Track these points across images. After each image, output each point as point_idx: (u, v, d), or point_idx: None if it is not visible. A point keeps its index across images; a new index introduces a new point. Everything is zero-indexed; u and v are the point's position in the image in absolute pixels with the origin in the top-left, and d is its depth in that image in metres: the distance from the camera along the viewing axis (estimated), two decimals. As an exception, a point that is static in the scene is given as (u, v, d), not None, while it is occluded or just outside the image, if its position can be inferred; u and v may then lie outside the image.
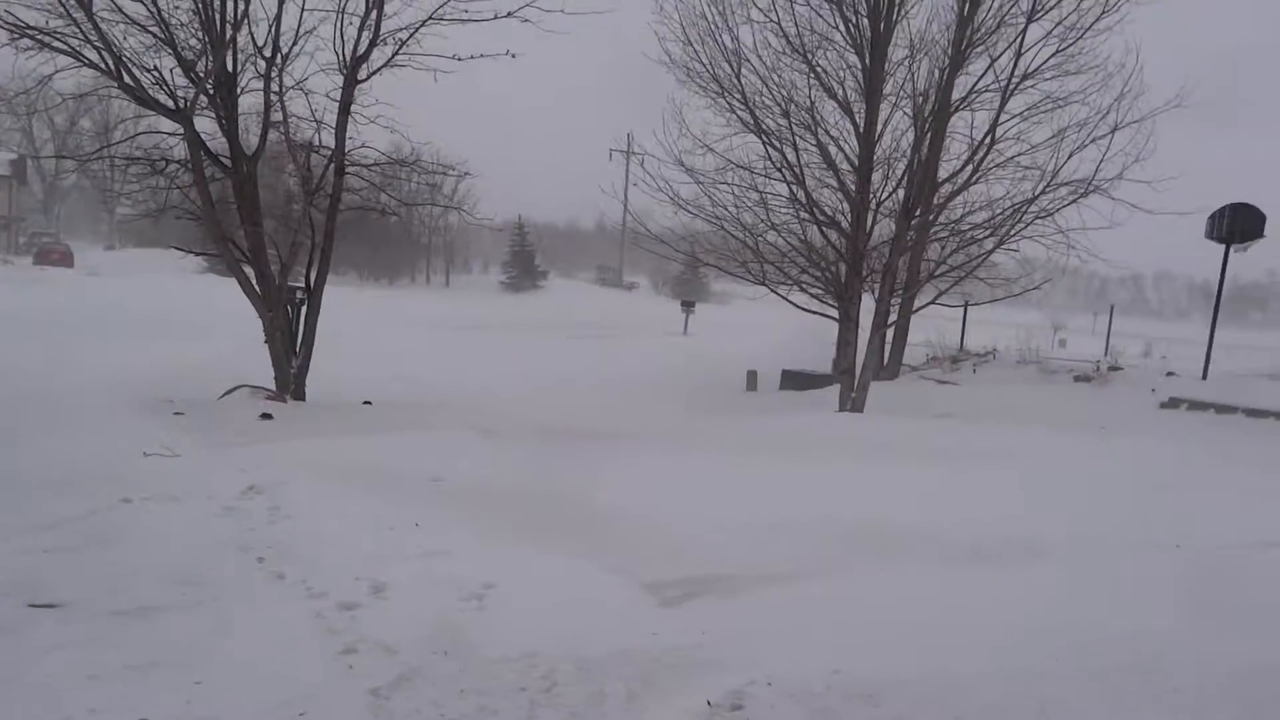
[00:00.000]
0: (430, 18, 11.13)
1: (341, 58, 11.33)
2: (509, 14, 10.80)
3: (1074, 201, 16.10)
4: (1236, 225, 15.54)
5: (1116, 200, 15.34)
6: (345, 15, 11.21)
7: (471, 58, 10.92)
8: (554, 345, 24.85)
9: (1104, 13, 16.43)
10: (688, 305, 33.67)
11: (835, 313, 17.42)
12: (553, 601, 4.74)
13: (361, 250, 51.31)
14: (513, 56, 11.08)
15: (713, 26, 17.61)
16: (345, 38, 11.39)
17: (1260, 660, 4.14)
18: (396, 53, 11.28)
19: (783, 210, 17.85)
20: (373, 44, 11.33)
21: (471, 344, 23.35)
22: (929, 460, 8.68)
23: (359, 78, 11.44)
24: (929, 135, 16.77)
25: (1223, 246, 16.17)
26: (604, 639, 4.27)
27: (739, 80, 17.31)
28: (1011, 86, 17.13)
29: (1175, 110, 14.66)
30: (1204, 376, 15.56)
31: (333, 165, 11.28)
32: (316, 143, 11.32)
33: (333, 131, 11.39)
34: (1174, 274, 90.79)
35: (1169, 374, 16.23)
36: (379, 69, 11.46)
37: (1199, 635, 4.44)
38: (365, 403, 12.34)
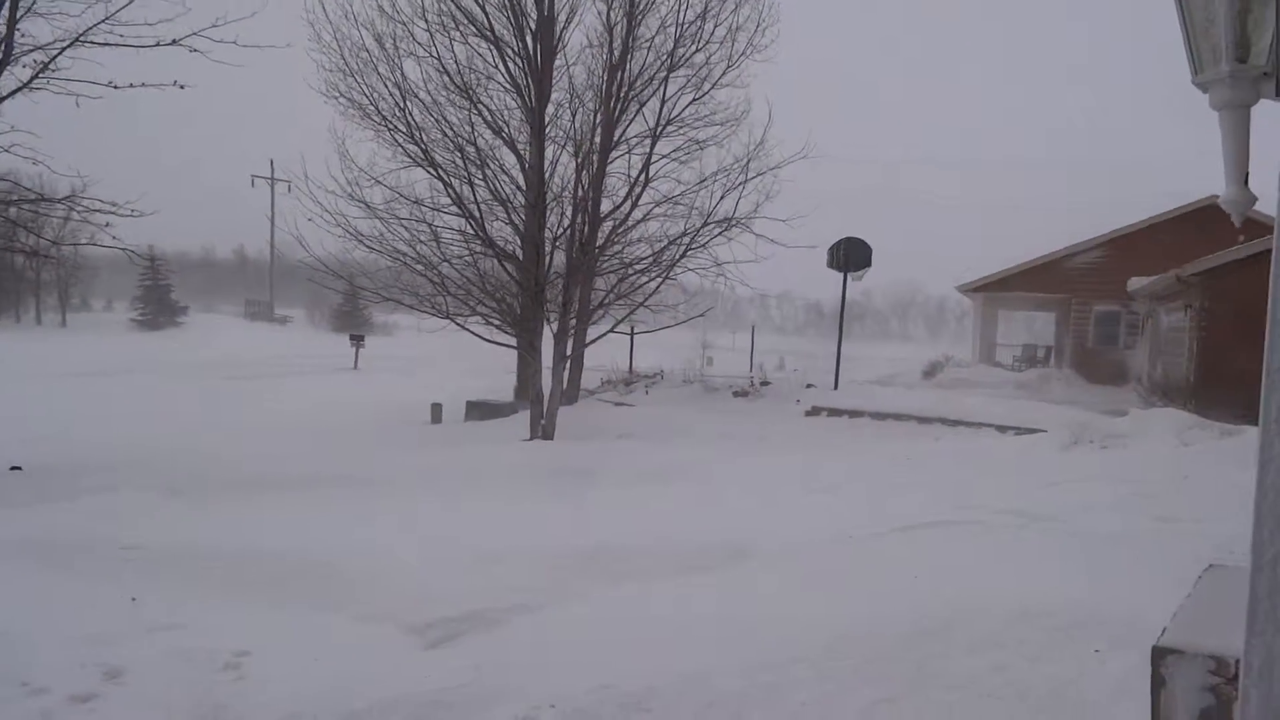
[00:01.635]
0: (78, 39, 10.10)
1: (-35, 79, 9.94)
2: (174, 42, 10.08)
3: (721, 234, 18.10)
4: (851, 256, 18.32)
5: (759, 236, 17.52)
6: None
7: (131, 86, 10.06)
8: (214, 388, 23.01)
9: (728, 68, 18.77)
10: (357, 339, 32.55)
11: (516, 342, 18.05)
12: (314, 658, 4.68)
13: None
14: (181, 88, 10.35)
15: (374, 59, 17.58)
16: (-32, 56, 10.01)
17: (924, 627, 5.14)
18: (36, 76, 10.10)
19: (458, 244, 18.20)
20: (3, 64, 10.06)
21: (119, 392, 20.93)
22: (629, 481, 9.43)
23: (-14, 101, 10.09)
24: (592, 173, 18.00)
25: (841, 274, 18.98)
26: (375, 688, 4.32)
27: (405, 114, 17.43)
28: (659, 130, 18.89)
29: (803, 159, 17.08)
30: (835, 386, 18.10)
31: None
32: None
33: (-47, 160, 9.94)
34: (793, 295, 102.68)
35: (808, 385, 18.64)
36: (13, 93, 10.18)
37: (877, 610, 5.39)
38: (14, 468, 10.80)
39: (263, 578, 5.95)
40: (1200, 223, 23.60)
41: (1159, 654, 1.40)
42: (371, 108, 17.57)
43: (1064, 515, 7.95)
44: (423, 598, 5.56)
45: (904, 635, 4.95)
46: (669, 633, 5.05)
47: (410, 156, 17.74)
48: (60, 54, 10.01)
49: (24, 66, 9.94)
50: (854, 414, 15.78)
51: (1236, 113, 1.69)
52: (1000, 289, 26.45)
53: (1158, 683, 1.40)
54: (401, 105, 17.42)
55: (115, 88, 9.95)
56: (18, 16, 9.84)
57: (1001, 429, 14.26)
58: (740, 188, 17.62)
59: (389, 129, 17.68)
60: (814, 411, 16.26)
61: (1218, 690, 1.37)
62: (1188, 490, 9.32)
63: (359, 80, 17.62)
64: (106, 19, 10.08)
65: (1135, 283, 22.78)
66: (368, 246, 17.06)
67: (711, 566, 6.27)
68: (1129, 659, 4.72)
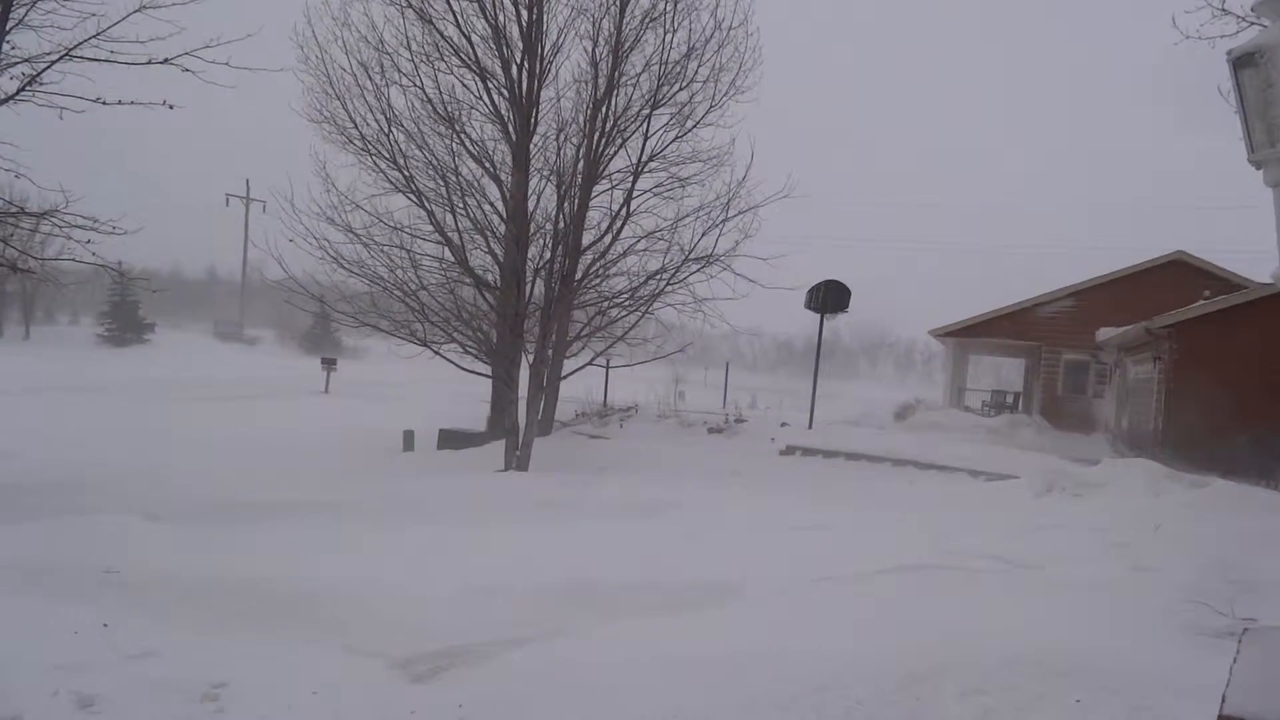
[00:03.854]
0: (67, 54, 10.01)
1: (-49, 89, 9.79)
2: (166, 60, 10.02)
3: (699, 270, 18.20)
4: (830, 298, 18.52)
5: (739, 275, 17.65)
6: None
7: (120, 103, 9.96)
8: (185, 408, 22.63)
9: (712, 108, 18.99)
10: (329, 363, 32.20)
11: (491, 372, 18.00)
12: (299, 692, 4.58)
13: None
14: (170, 107, 10.28)
15: (359, 85, 17.66)
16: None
17: (915, 670, 5.15)
18: (22, 89, 9.97)
19: (439, 271, 18.21)
20: (-13, 77, 9.94)
21: (86, 410, 20.55)
22: (610, 515, 9.38)
23: (-32, 112, 9.95)
24: (574, 206, 18.09)
25: (818, 315, 19.18)
26: (365, 724, 4.26)
27: (390, 139, 17.49)
28: (641, 166, 19.05)
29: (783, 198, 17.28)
30: (810, 426, 18.20)
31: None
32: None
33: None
34: (765, 332, 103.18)
35: (783, 424, 18.74)
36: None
37: (867, 652, 5.39)
38: (-22, 487, 10.57)
39: (245, 606, 5.84)
40: (1166, 276, 24.15)
41: (1226, 724, 1.42)
42: (355, 131, 17.65)
43: (1043, 563, 8.03)
44: (410, 630, 5.48)
45: (897, 679, 4.96)
46: (662, 672, 5.01)
47: (392, 182, 17.78)
48: (49, 68, 9.92)
49: (10, 78, 9.84)
50: (829, 454, 15.87)
51: (1287, 191, 1.76)
52: (972, 334, 26.81)
53: (1227, 750, 1.42)
54: (385, 131, 17.50)
55: (104, 104, 9.85)
56: (8, 28, 9.75)
57: (975, 474, 14.39)
58: (720, 225, 17.79)
59: (371, 154, 17.75)
60: (789, 450, 16.32)
61: (1284, 756, 1.38)
62: (1160, 541, 9.43)
63: (344, 104, 17.71)
64: (98, 34, 10.02)
65: (1104, 333, 23.19)
66: (348, 270, 17.01)
67: (700, 604, 6.25)
68: (1110, 709, 4.77)
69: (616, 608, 6.14)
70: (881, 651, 5.42)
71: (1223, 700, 1.47)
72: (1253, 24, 11.48)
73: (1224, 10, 11.46)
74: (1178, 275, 23.90)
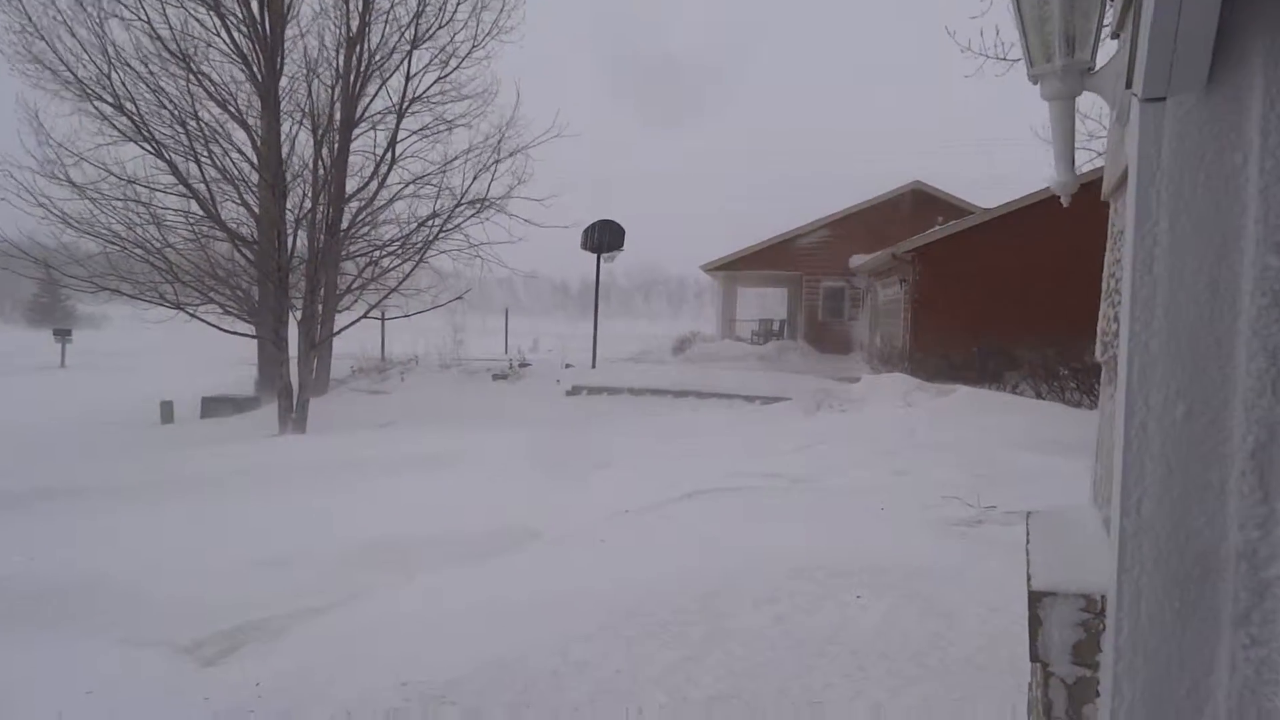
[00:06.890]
0: None
1: None
2: None
3: (474, 215, 17.92)
4: (604, 238, 18.75)
5: (513, 216, 17.52)
6: None
7: None
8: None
9: (474, 48, 18.59)
10: (62, 334, 29.05)
11: (256, 331, 16.99)
12: (70, 694, 4.18)
13: None
14: None
15: (66, 18, 15.90)
16: None
17: (713, 588, 5.42)
18: None
19: (187, 226, 16.93)
20: None
21: None
22: (401, 470, 9.15)
23: None
24: (334, 151, 17.22)
25: (594, 255, 19.38)
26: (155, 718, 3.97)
27: (111, 81, 15.91)
28: (404, 107, 18.37)
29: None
30: (593, 365, 18.48)
31: None
32: None
33: None
34: (541, 276, 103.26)
35: (567, 365, 18.91)
36: None
37: (668, 574, 5.62)
38: None
39: (11, 601, 5.24)
40: (907, 204, 26.29)
41: (1036, 597, 1.59)
42: (69, 74, 15.92)
43: (818, 475, 8.64)
44: (198, 612, 5.12)
45: (697, 597, 5.20)
46: (472, 621, 4.99)
47: (120, 129, 16.25)
48: None
49: None
50: (613, 391, 16.22)
51: (1065, 104, 1.92)
52: (739, 267, 28.09)
53: (1035, 623, 1.59)
54: (105, 72, 15.87)
55: None
56: None
57: (751, 399, 15.20)
58: (493, 168, 17.55)
59: (90, 99, 16.10)
60: (575, 390, 16.53)
61: (1087, 625, 1.57)
62: (915, 445, 10.40)
63: (50, 42, 15.89)
64: None
65: (856, 260, 24.97)
66: (77, 229, 15.40)
67: (503, 550, 6.25)
68: (886, 600, 5.25)
69: (420, 562, 6.03)
70: (681, 574, 5.66)
71: (1029, 578, 1.64)
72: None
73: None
74: (917, 203, 26.10)
